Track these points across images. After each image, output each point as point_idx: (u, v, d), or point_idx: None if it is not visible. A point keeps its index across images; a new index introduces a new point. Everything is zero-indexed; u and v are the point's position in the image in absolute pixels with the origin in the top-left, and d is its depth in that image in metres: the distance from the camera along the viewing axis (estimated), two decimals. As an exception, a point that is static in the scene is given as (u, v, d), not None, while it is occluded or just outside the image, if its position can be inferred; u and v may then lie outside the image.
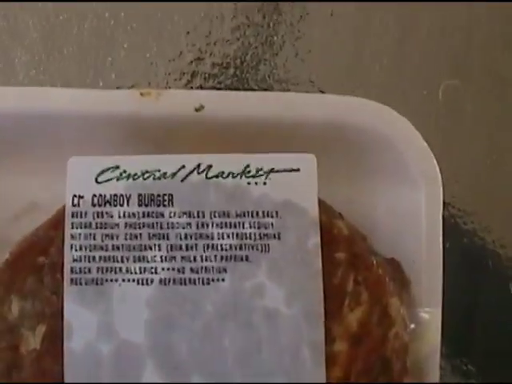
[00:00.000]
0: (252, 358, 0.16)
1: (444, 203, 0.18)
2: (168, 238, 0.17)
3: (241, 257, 0.16)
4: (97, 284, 0.16)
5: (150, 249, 0.16)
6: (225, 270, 0.16)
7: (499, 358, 0.21)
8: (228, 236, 0.17)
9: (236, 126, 0.17)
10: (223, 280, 0.16)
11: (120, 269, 0.16)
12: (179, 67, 0.19)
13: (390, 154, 0.18)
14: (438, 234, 0.18)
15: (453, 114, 0.21)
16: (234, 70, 0.19)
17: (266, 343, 0.16)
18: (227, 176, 0.17)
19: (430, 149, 0.17)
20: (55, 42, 0.20)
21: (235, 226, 0.17)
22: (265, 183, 0.17)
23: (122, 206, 0.17)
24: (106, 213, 0.17)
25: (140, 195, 0.17)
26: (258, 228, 0.17)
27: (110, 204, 0.17)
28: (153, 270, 0.16)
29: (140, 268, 0.16)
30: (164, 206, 0.17)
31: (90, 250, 0.16)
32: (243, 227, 0.17)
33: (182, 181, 0.17)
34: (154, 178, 0.17)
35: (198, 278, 0.16)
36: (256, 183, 0.17)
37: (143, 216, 0.17)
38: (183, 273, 0.16)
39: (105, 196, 0.17)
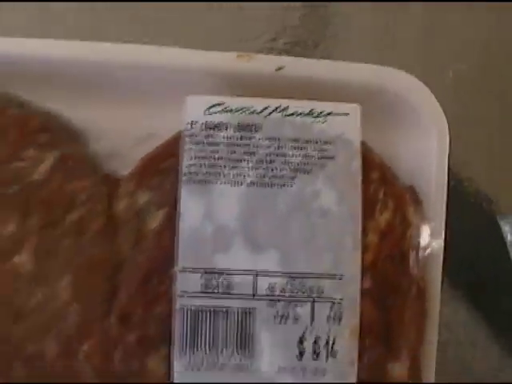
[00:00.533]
0: (311, 240, 0.23)
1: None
2: (255, 155, 0.23)
3: (305, 170, 0.23)
4: (202, 184, 0.23)
5: (242, 161, 0.23)
6: (293, 179, 0.23)
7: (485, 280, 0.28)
8: (297, 156, 0.23)
9: (304, 82, 0.24)
10: (291, 186, 0.23)
11: (220, 174, 0.23)
12: (259, 45, 0.27)
13: (411, 110, 0.25)
14: (445, 169, 0.25)
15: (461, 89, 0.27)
16: (299, 48, 0.26)
17: (321, 231, 0.23)
18: (298, 115, 0.24)
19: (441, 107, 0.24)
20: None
21: (301, 149, 0.23)
22: (323, 122, 0.24)
23: (224, 131, 0.23)
24: (212, 135, 0.23)
25: (237, 124, 0.24)
26: (318, 151, 0.23)
27: (215, 129, 0.23)
28: (243, 176, 0.23)
29: (234, 174, 0.23)
30: (253, 132, 0.23)
31: (199, 160, 0.23)
32: (307, 150, 0.23)
33: (266, 116, 0.24)
34: (247, 113, 0.24)
35: (275, 183, 0.23)
36: (317, 122, 0.24)
37: (239, 139, 0.23)
38: (264, 179, 0.23)
39: (212, 123, 0.24)
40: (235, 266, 0.23)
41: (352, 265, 0.23)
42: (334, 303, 0.23)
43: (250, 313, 0.23)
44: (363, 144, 0.24)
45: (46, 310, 0.23)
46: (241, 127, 0.24)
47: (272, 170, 0.23)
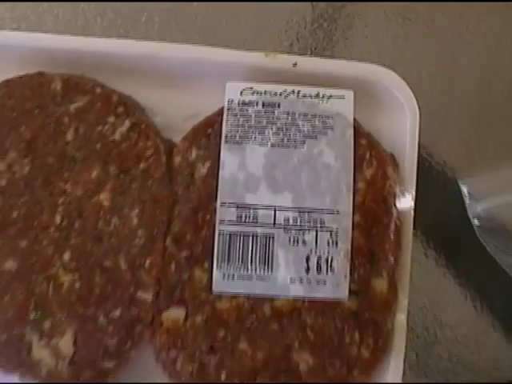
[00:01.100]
0: (316, 185, 0.31)
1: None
2: (276, 124, 0.32)
3: (312, 136, 0.32)
4: (238, 144, 0.31)
5: (266, 129, 0.32)
6: (303, 142, 0.32)
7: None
8: (306, 126, 0.32)
9: (312, 74, 0.33)
10: (302, 147, 0.31)
11: (250, 137, 0.32)
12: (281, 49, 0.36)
13: (391, 96, 0.33)
14: (416, 141, 0.33)
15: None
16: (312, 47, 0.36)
17: (323, 179, 0.31)
18: (307, 97, 0.32)
19: (412, 93, 0.33)
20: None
21: (310, 121, 0.32)
22: (326, 102, 0.32)
23: (253, 106, 0.32)
24: (245, 109, 0.32)
25: (262, 102, 0.32)
26: (322, 123, 0.32)
27: (247, 105, 0.32)
28: (267, 139, 0.32)
29: (260, 138, 0.32)
30: (275, 108, 0.32)
31: (235, 127, 0.32)
32: (314, 122, 0.32)
33: (284, 97, 0.32)
34: (270, 95, 0.32)
35: (290, 145, 0.32)
36: (322, 102, 0.32)
37: (264, 112, 0.32)
38: (283, 141, 0.32)
39: (244, 101, 0.32)
40: (260, 202, 0.31)
41: (346, 204, 0.31)
42: (332, 232, 0.31)
43: (270, 237, 0.31)
44: (355, 120, 0.33)
45: (119, 234, 0.31)
46: (265, 104, 0.32)
47: (288, 135, 0.32)
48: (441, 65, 0.36)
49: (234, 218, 0.31)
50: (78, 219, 0.32)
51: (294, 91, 0.32)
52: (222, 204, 0.31)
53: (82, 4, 0.36)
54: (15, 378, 0.32)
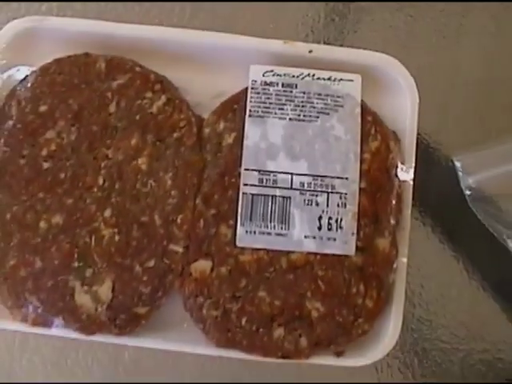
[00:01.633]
0: (327, 155, 0.35)
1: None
2: (293, 102, 0.36)
3: (325, 112, 0.36)
4: (260, 117, 0.36)
5: (285, 105, 0.36)
6: (317, 118, 0.36)
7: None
8: (320, 103, 0.36)
9: (325, 59, 0.37)
10: (316, 121, 0.36)
11: (271, 112, 0.36)
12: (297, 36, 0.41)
13: (394, 80, 0.38)
14: (415, 120, 0.37)
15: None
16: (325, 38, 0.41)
17: (334, 149, 0.36)
18: (321, 79, 0.37)
19: (413, 78, 0.37)
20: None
21: (323, 100, 0.36)
22: (337, 84, 0.37)
23: (274, 86, 0.36)
24: (266, 89, 0.36)
25: (282, 83, 0.36)
26: (334, 102, 0.36)
27: (268, 85, 0.36)
28: (286, 115, 0.36)
29: (280, 113, 0.36)
30: (292, 88, 0.36)
31: (258, 103, 0.36)
32: (327, 101, 0.36)
33: (301, 79, 0.37)
34: (289, 77, 0.37)
35: (306, 120, 0.36)
36: (333, 84, 0.37)
37: (283, 92, 0.36)
38: (299, 116, 0.36)
39: (266, 81, 0.36)
40: (279, 169, 0.35)
41: (354, 171, 0.36)
42: (341, 195, 0.35)
43: (287, 199, 0.35)
44: (362, 101, 0.37)
45: (154, 194, 0.36)
46: (284, 85, 0.37)
47: (304, 111, 0.36)
48: (440, 55, 0.41)
49: (256, 182, 0.35)
50: (118, 181, 0.36)
51: (309, 74, 0.37)
52: (246, 169, 0.35)
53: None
54: (58, 324, 0.36)
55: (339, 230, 0.35)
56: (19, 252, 0.36)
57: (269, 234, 0.35)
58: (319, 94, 0.37)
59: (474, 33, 0.41)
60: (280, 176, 0.35)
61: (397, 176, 0.37)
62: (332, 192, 0.35)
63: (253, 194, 0.35)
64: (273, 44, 0.38)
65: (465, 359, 0.39)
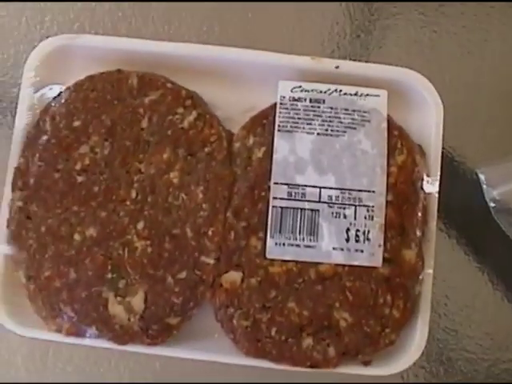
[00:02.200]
0: (355, 169, 0.36)
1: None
2: (321, 117, 0.37)
3: (352, 127, 0.37)
4: (288, 132, 0.37)
5: (313, 121, 0.37)
6: (344, 132, 0.37)
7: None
8: (347, 118, 0.37)
9: (352, 75, 0.38)
10: (343, 136, 0.37)
11: (299, 127, 0.37)
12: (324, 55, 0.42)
13: (419, 96, 0.38)
14: (440, 134, 0.38)
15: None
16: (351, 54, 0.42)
17: (361, 163, 0.36)
18: (348, 95, 0.38)
19: (437, 93, 0.38)
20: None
21: (350, 115, 0.37)
22: (364, 99, 0.38)
23: (302, 102, 0.37)
24: (295, 104, 0.37)
25: (310, 98, 0.37)
26: (360, 117, 0.37)
27: (297, 101, 0.37)
28: (314, 129, 0.37)
29: (308, 128, 0.37)
30: (320, 103, 0.37)
31: (287, 119, 0.37)
32: (354, 116, 0.37)
33: (328, 94, 0.38)
34: (316, 92, 0.38)
35: (333, 134, 0.37)
36: (360, 99, 0.38)
37: (311, 107, 0.37)
38: (327, 131, 0.37)
39: (294, 97, 0.37)
40: (308, 182, 0.36)
41: (380, 185, 0.36)
42: (368, 208, 0.36)
43: (316, 211, 0.36)
44: (388, 115, 0.38)
45: (186, 207, 0.37)
46: (312, 100, 0.38)
47: (331, 126, 0.37)
48: (463, 70, 0.42)
49: (285, 195, 0.36)
50: (150, 194, 0.37)
51: (336, 90, 0.38)
52: (275, 183, 0.36)
53: (152, 13, 0.42)
54: (91, 334, 0.37)
55: (366, 242, 0.36)
56: (54, 263, 0.37)
57: (298, 245, 0.36)
58: (346, 109, 0.38)
59: (498, 48, 0.42)
60: (308, 189, 0.36)
61: (422, 189, 0.37)
62: (359, 205, 0.36)
63: (282, 207, 0.36)
64: (301, 60, 0.39)
65: (490, 369, 0.40)
